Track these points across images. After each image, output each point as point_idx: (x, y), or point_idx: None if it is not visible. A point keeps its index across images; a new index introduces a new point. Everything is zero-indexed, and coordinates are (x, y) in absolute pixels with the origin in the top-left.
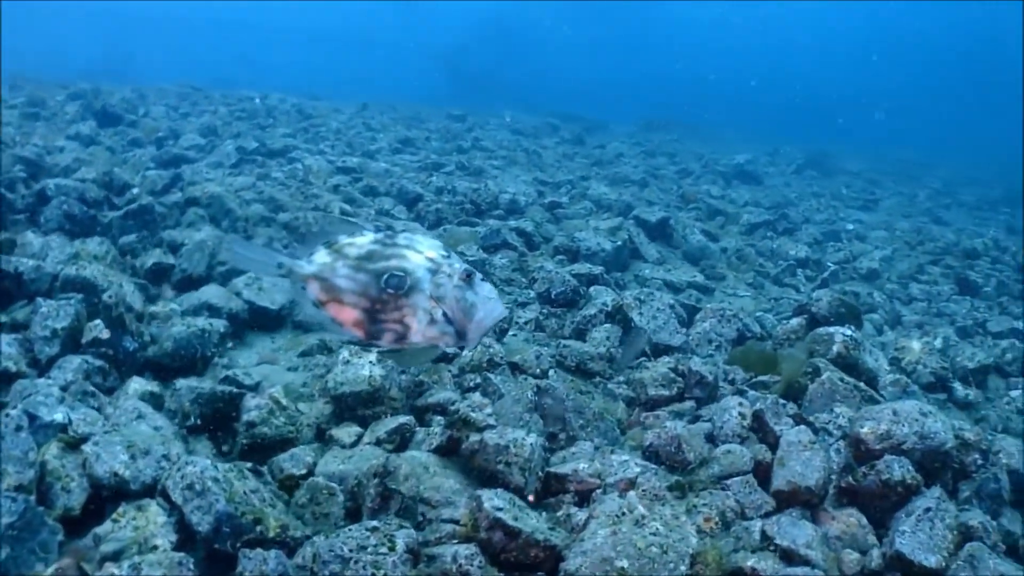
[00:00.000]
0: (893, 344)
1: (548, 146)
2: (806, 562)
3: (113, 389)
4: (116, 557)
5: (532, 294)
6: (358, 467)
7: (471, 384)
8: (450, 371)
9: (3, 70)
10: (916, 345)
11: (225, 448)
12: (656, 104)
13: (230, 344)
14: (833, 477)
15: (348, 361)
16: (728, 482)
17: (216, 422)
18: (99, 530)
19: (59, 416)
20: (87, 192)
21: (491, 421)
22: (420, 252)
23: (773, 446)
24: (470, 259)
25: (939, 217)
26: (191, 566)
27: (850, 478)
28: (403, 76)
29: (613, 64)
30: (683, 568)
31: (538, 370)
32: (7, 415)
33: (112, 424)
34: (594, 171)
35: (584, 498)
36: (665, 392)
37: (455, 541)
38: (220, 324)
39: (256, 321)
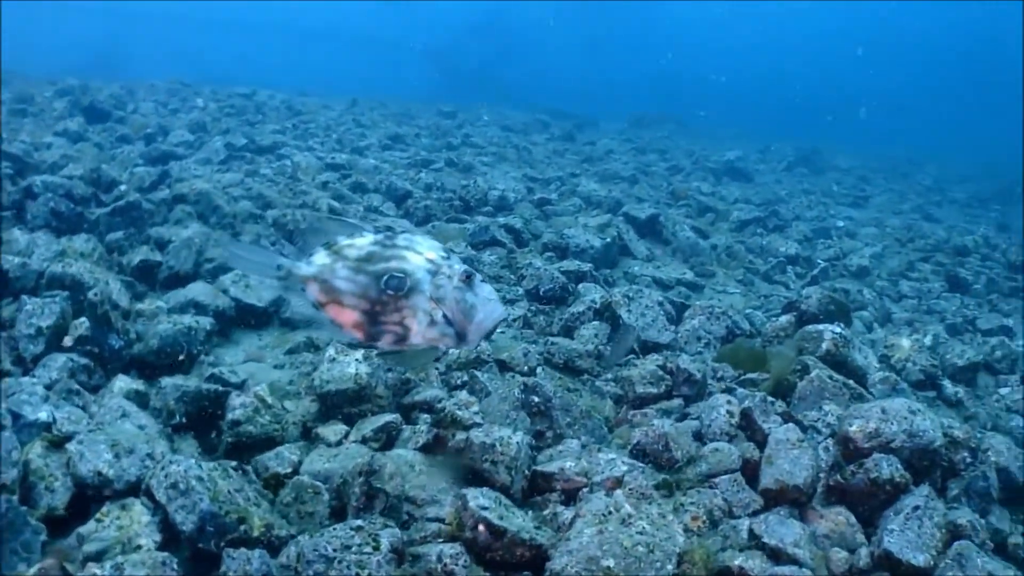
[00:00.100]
0: (883, 341)
1: (538, 143)
2: (794, 561)
3: (99, 387)
4: (99, 557)
5: (520, 291)
6: (343, 466)
7: (458, 382)
8: (437, 369)
9: (2, 70)
10: (906, 343)
11: (211, 447)
12: (646, 101)
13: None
14: (821, 475)
15: (334, 359)
16: (716, 480)
17: (201, 420)
18: (83, 530)
19: (43, 415)
20: (74, 189)
21: (478, 419)
22: (420, 253)
23: (761, 444)
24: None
25: (930, 214)
26: (175, 566)
27: (838, 476)
28: (395, 73)
29: (603, 61)
30: (670, 567)
31: (526, 367)
32: None
33: (96, 423)
34: (584, 168)
35: (571, 497)
36: (653, 390)
37: (440, 540)
38: (206, 322)
39: (243, 318)
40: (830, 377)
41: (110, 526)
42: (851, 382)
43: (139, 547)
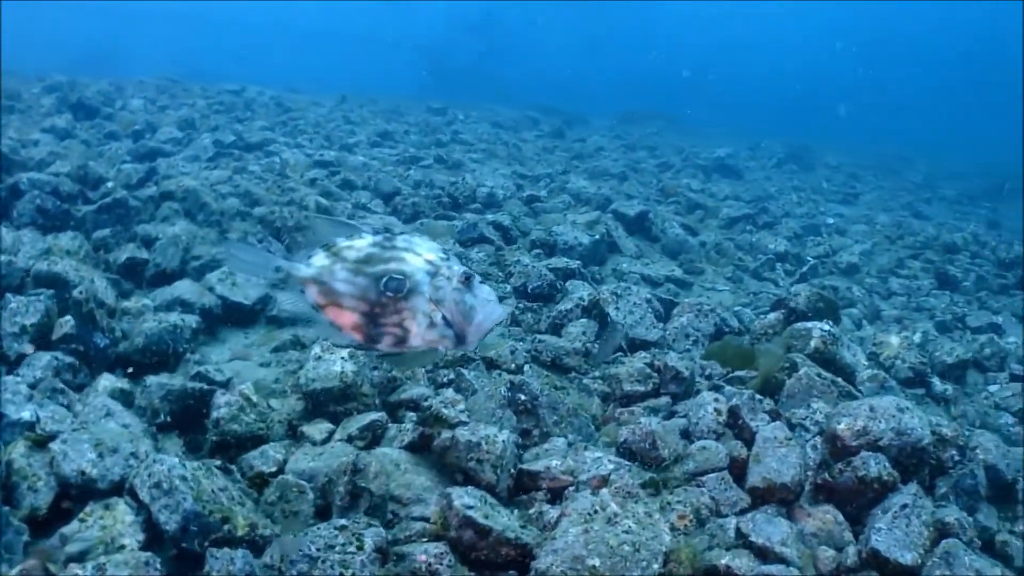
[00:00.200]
0: (872, 339)
1: (528, 139)
2: (781, 560)
3: (83, 386)
4: (81, 557)
5: (508, 288)
6: (328, 464)
7: (444, 380)
8: (423, 367)
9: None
10: (895, 340)
11: (196, 445)
12: (635, 98)
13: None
14: (809, 474)
15: (320, 357)
16: (703, 479)
17: (187, 419)
18: (66, 530)
19: (27, 414)
20: (61, 186)
21: (464, 418)
22: (419, 255)
23: (749, 442)
24: None
25: (920, 211)
26: (158, 566)
27: (826, 475)
28: (385, 70)
29: (593, 59)
30: (656, 566)
31: (513, 365)
32: None
33: (80, 422)
34: (574, 164)
35: (557, 495)
36: (640, 388)
37: (425, 539)
38: (192, 320)
39: (229, 316)
40: (818, 375)
41: (93, 526)
42: (839, 380)
43: (122, 547)
